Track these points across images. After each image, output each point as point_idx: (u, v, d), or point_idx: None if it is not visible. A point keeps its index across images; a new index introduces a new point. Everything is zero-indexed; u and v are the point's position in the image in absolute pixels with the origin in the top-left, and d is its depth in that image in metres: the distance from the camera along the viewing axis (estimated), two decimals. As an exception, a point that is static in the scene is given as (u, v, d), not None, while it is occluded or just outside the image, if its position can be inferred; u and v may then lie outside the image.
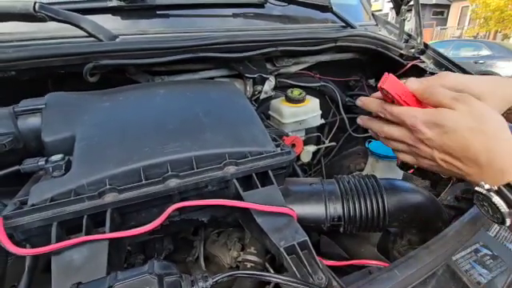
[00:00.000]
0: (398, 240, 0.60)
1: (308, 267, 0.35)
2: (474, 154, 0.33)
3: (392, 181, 0.56)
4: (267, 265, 0.56)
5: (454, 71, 0.89)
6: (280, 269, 0.55)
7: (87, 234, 0.37)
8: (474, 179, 0.34)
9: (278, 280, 0.30)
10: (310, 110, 0.83)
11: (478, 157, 0.32)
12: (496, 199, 0.31)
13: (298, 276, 0.34)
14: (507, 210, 0.31)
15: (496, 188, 0.31)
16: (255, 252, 0.56)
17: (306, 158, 0.85)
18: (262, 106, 0.89)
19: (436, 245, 0.39)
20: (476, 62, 6.02)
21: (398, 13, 1.06)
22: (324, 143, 0.95)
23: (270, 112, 0.87)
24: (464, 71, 0.88)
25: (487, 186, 0.32)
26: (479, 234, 0.41)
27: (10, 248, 0.33)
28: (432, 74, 0.91)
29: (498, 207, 0.31)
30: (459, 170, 0.35)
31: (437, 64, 0.95)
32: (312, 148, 0.87)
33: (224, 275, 0.30)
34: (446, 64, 0.93)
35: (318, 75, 1.04)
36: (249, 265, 0.54)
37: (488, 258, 0.39)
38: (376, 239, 0.67)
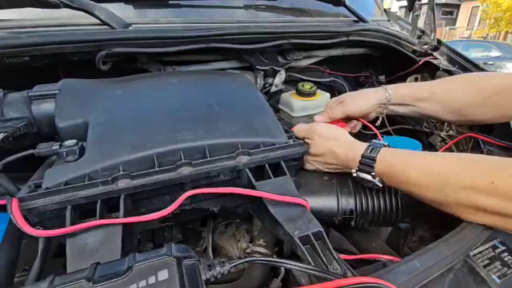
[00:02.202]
0: (409, 236, 0.59)
1: (323, 257, 0.35)
2: (339, 156, 0.52)
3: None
4: (275, 257, 0.56)
5: (467, 68, 0.87)
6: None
7: (101, 218, 0.37)
8: (345, 169, 0.53)
9: (297, 268, 0.30)
10: (320, 105, 0.82)
11: (341, 156, 0.52)
12: (362, 175, 0.48)
13: (313, 265, 0.33)
14: (370, 178, 0.47)
15: (355, 170, 0.49)
16: (264, 244, 0.56)
17: (315, 152, 0.84)
18: (272, 100, 0.88)
19: (454, 238, 0.38)
20: (485, 63, 5.91)
21: (411, 8, 1.04)
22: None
23: (279, 106, 0.86)
24: (477, 67, 0.86)
25: (353, 170, 0.49)
26: (497, 230, 0.40)
27: (26, 229, 0.33)
28: (445, 70, 0.89)
29: (365, 179, 0.48)
30: (337, 166, 0.54)
31: (450, 61, 0.93)
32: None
33: (241, 261, 0.30)
34: (459, 61, 0.91)
35: (327, 70, 1.02)
36: (258, 256, 0.54)
37: (506, 254, 0.39)
38: (385, 235, 0.67)
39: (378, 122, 0.72)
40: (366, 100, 0.66)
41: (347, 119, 0.69)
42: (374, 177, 0.47)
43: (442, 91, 0.62)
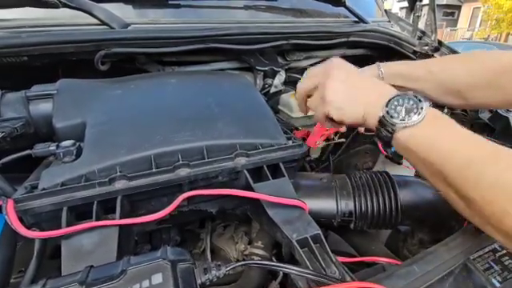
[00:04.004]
0: (409, 239, 0.59)
1: (321, 261, 0.34)
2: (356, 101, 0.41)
3: (405, 177, 0.55)
4: (274, 259, 0.55)
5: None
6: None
7: (97, 219, 0.37)
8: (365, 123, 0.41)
9: (294, 272, 0.29)
10: (320, 106, 0.82)
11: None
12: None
13: (311, 269, 0.33)
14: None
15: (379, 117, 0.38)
16: (262, 246, 0.55)
17: (315, 153, 0.83)
18: (272, 101, 0.88)
19: (454, 242, 0.37)
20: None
21: (412, 9, 1.04)
22: (333, 139, 0.93)
23: (279, 106, 0.85)
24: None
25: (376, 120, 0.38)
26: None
27: (21, 231, 0.33)
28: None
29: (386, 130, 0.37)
30: (356, 116, 0.42)
31: (451, 62, 0.93)
32: (321, 144, 0.86)
33: (237, 264, 0.29)
34: (460, 62, 0.90)
35: (328, 71, 1.02)
36: (256, 258, 0.53)
37: (506, 258, 0.38)
38: (384, 238, 0.66)
39: None
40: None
41: None
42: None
43: (441, 70, 0.55)
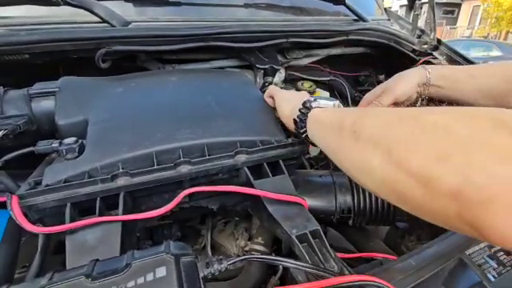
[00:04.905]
0: (407, 235, 0.60)
1: (320, 256, 0.35)
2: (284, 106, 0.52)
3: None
4: (273, 255, 0.56)
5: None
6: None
7: (100, 215, 0.38)
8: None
9: (294, 266, 0.30)
10: (319, 104, 0.82)
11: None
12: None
13: (310, 263, 0.33)
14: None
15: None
16: (262, 242, 0.56)
17: (314, 151, 0.84)
18: (271, 99, 0.88)
19: (450, 238, 0.38)
20: (486, 63, 5.86)
21: (411, 7, 1.04)
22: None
23: (279, 104, 0.86)
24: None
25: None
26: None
27: (26, 226, 0.34)
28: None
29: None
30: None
31: (450, 60, 0.93)
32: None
33: (238, 259, 0.30)
34: (459, 61, 0.91)
35: (327, 69, 1.02)
36: (256, 254, 0.54)
37: (502, 253, 0.39)
38: (383, 234, 0.67)
39: (418, 104, 0.68)
40: (410, 81, 0.63)
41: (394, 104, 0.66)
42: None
43: (482, 75, 0.58)
